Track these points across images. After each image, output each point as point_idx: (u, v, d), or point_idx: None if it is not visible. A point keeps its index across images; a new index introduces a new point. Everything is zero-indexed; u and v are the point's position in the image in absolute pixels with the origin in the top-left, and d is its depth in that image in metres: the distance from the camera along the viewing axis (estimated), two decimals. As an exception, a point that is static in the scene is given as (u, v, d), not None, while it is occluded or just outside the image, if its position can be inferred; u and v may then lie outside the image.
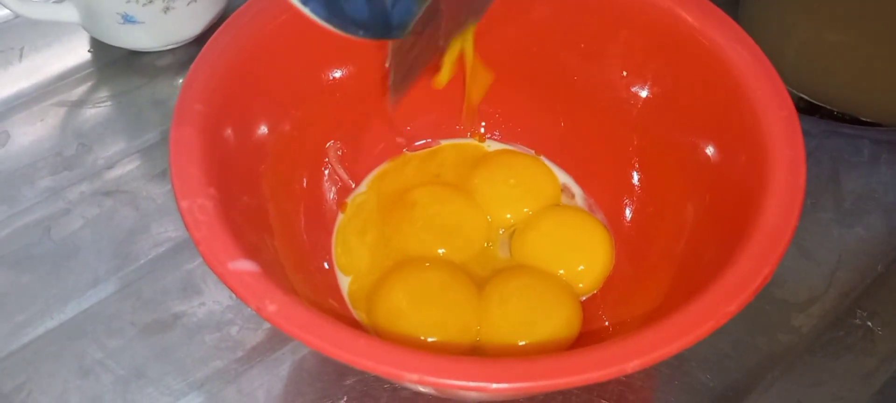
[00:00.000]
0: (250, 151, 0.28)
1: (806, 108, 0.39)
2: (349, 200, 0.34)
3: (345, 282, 0.31)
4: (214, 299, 0.33)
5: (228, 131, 0.27)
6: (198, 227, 0.23)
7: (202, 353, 0.31)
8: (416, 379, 0.20)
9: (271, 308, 0.21)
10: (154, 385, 0.31)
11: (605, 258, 0.32)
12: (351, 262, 0.32)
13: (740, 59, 0.28)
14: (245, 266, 0.22)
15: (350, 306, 0.31)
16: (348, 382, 0.30)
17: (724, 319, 0.21)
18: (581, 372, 0.20)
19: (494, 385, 0.20)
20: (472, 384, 0.20)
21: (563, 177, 0.35)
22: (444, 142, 0.36)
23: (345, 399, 0.30)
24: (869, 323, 0.33)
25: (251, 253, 0.23)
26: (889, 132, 0.39)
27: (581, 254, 0.32)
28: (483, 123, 0.36)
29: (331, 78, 0.32)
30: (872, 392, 0.31)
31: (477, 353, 0.29)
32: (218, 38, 0.28)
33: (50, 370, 0.31)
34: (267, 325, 0.32)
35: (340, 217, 0.33)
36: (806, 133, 0.26)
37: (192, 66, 0.27)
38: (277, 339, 0.32)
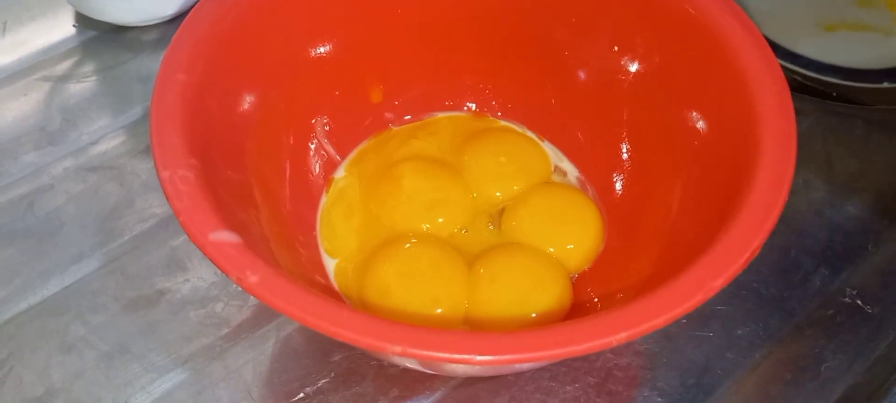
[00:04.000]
0: (234, 124, 0.28)
1: (798, 88, 0.39)
2: (334, 178, 0.33)
3: (331, 264, 0.31)
4: (199, 275, 0.33)
5: (211, 102, 0.26)
6: (179, 197, 0.22)
7: (187, 330, 0.31)
8: (400, 352, 0.20)
9: (253, 279, 0.21)
10: (138, 361, 0.30)
11: (596, 236, 0.31)
12: (337, 246, 0.31)
13: (733, 33, 0.27)
14: (226, 236, 0.22)
15: (336, 285, 0.30)
16: (335, 359, 0.30)
17: (711, 294, 0.21)
18: (566, 345, 0.20)
19: (479, 358, 0.20)
20: (455, 356, 0.20)
21: (553, 154, 0.34)
22: (437, 115, 0.36)
23: (331, 375, 0.30)
24: (858, 302, 0.33)
25: (235, 227, 0.22)
26: (881, 112, 0.39)
27: (572, 232, 0.32)
28: (472, 103, 0.36)
29: (317, 51, 0.32)
30: (861, 370, 0.31)
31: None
32: (201, 7, 0.27)
33: (33, 345, 0.31)
34: (252, 302, 0.32)
35: (324, 199, 0.33)
36: (799, 112, 0.25)
37: (174, 36, 0.26)
38: (263, 316, 0.31)
